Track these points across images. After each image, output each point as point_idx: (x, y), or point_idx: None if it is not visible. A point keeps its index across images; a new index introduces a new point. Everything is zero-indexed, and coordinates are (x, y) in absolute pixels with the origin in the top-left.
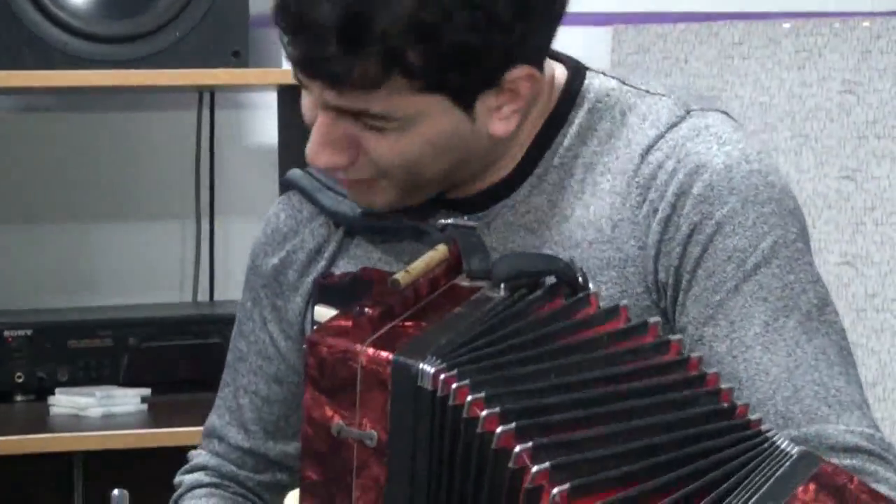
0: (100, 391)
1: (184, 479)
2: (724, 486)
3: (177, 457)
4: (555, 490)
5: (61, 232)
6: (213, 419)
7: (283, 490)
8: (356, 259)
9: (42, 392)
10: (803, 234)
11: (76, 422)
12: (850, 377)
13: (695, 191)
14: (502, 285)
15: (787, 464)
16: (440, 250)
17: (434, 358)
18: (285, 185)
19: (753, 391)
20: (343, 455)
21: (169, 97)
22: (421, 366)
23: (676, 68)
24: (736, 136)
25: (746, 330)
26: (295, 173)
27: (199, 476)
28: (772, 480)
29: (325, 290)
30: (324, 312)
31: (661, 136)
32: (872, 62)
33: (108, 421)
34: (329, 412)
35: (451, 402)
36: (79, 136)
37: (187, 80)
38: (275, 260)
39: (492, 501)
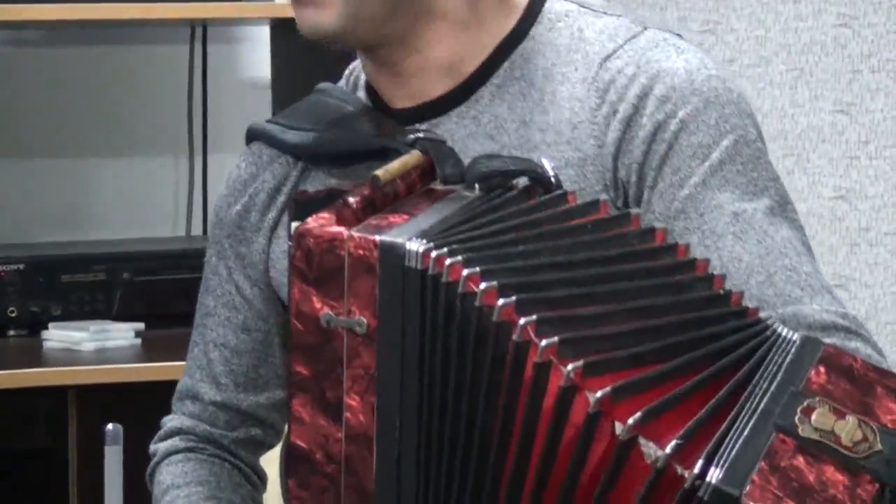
0: (93, 325)
1: (158, 447)
2: (742, 371)
3: (170, 391)
4: (569, 366)
5: (54, 167)
6: (184, 380)
7: (259, 446)
8: (314, 188)
9: (35, 326)
10: (761, 137)
11: (69, 356)
12: (816, 267)
13: (657, 92)
14: (476, 185)
15: (793, 350)
16: (415, 154)
17: (422, 240)
18: (249, 138)
19: (727, 279)
20: (333, 345)
21: (161, 31)
22: (408, 246)
23: (672, 2)
24: (693, 47)
25: (716, 221)
26: (255, 123)
27: (174, 442)
28: (784, 367)
29: (301, 207)
30: None
31: (619, 48)
32: None
33: (102, 355)
34: (317, 303)
35: (444, 280)
36: (70, 71)
37: (180, 13)
38: (237, 207)
39: (492, 380)
